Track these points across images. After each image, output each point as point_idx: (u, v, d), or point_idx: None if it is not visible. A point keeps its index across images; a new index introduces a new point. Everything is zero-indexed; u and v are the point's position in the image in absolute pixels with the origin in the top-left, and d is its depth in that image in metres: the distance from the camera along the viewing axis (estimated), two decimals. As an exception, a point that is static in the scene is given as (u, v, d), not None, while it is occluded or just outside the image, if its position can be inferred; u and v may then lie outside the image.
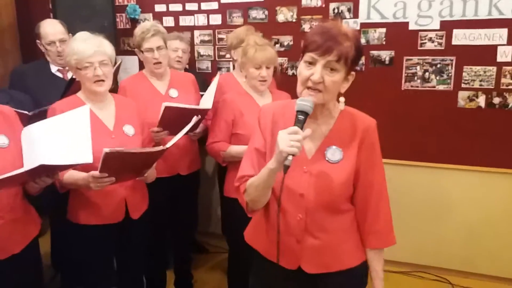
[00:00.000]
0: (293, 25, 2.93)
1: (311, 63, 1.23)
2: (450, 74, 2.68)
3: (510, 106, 2.60)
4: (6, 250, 1.58)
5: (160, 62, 2.30)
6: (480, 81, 2.62)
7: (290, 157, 1.14)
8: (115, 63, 2.05)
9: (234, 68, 2.88)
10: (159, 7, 3.24)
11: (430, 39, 2.67)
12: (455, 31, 2.61)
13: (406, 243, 2.79)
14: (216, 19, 3.12)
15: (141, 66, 2.57)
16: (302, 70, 1.24)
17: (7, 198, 1.56)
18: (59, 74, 2.61)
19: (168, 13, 3.23)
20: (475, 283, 2.77)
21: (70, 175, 1.72)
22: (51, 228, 2.76)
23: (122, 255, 2.02)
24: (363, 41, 2.76)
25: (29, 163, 1.48)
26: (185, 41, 2.84)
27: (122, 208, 1.87)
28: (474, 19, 2.56)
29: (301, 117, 1.19)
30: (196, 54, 3.22)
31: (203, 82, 2.80)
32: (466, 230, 2.79)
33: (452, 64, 2.66)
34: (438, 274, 2.86)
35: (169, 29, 2.90)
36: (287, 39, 2.97)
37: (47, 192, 1.70)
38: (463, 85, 2.66)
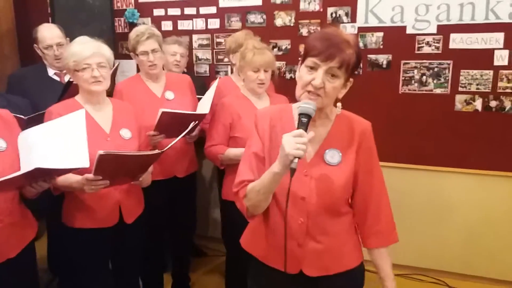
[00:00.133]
0: (291, 29, 2.94)
1: (313, 68, 1.23)
2: (447, 78, 2.69)
3: (506, 109, 2.61)
4: (2, 254, 1.57)
5: (155, 64, 2.31)
6: (477, 84, 2.63)
7: (296, 160, 1.14)
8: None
9: (232, 72, 2.88)
10: (158, 12, 3.25)
11: (428, 43, 2.68)
12: (452, 35, 2.62)
13: (405, 246, 2.76)
14: (214, 23, 3.13)
15: (139, 70, 2.58)
16: (303, 74, 1.25)
17: (5, 202, 1.56)
18: (56, 78, 2.61)
19: (166, 17, 3.23)
20: (474, 286, 2.77)
21: (65, 178, 1.71)
22: (48, 231, 2.75)
23: (117, 259, 2.02)
24: (360, 45, 2.77)
25: (26, 167, 1.48)
26: (183, 45, 2.85)
27: (116, 212, 1.87)
28: (471, 23, 2.58)
29: (304, 120, 1.19)
30: (194, 58, 3.22)
31: (202, 85, 2.80)
32: (465, 232, 2.80)
33: (449, 68, 2.67)
34: (437, 277, 2.85)
35: (167, 33, 2.91)
36: (285, 43, 2.98)
37: (43, 195, 1.69)
38: (460, 89, 2.67)
